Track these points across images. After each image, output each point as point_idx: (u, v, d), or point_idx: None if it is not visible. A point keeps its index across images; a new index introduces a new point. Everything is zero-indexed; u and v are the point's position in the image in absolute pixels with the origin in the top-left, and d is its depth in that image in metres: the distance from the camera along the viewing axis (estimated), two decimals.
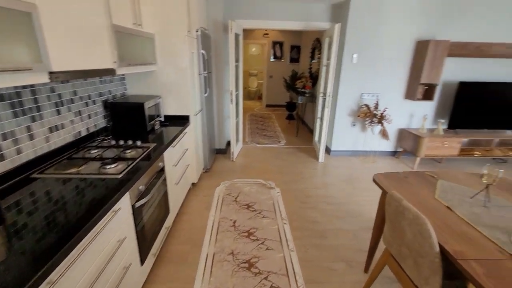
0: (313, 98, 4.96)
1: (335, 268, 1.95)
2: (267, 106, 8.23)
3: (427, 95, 3.68)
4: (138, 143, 1.94)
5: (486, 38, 3.55)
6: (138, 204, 1.52)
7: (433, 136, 3.57)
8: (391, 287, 1.78)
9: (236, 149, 4.01)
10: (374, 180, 1.70)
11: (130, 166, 1.54)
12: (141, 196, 1.56)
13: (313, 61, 5.64)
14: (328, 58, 3.71)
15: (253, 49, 9.41)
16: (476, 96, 3.61)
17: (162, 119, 2.62)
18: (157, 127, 2.45)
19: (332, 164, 3.88)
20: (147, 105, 2.25)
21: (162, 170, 1.96)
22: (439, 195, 1.49)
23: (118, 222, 1.30)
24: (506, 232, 1.19)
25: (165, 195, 2.07)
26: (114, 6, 1.65)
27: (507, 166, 3.92)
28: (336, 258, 2.05)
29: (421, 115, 3.94)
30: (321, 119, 4.11)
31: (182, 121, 2.70)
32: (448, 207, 1.37)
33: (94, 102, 2.08)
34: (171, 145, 2.13)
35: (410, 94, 3.78)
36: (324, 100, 3.81)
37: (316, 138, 4.43)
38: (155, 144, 1.97)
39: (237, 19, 3.75)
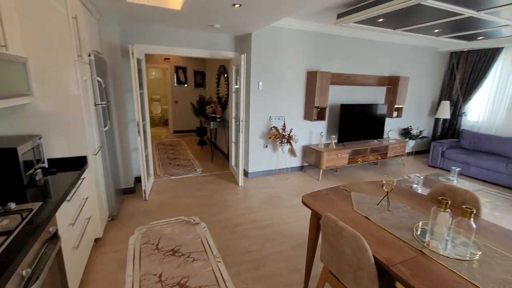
0: (224, 122, 5.04)
1: None
2: (175, 132, 7.80)
3: (320, 116, 4.36)
4: (12, 205, 1.39)
5: (352, 71, 4.59)
6: None
7: (329, 150, 4.22)
8: None
9: (148, 185, 3.54)
10: (303, 202, 1.81)
11: (3, 246, 1.07)
12: (27, 284, 1.09)
13: (218, 87, 5.79)
14: (237, 85, 3.88)
15: (153, 73, 8.88)
16: (352, 115, 4.54)
17: (46, 165, 2.02)
18: (39, 177, 1.86)
19: (252, 186, 3.97)
20: (22, 149, 1.68)
21: (55, 236, 1.46)
22: (356, 207, 1.72)
23: None
24: (409, 230, 1.47)
25: (61, 269, 1.54)
26: None
27: (378, 167, 5.04)
28: (276, 285, 2.03)
29: (318, 132, 4.63)
30: (236, 143, 4.19)
31: (77, 164, 2.16)
32: (366, 217, 1.60)
33: None
34: (65, 199, 1.64)
35: (307, 116, 4.38)
36: (238, 125, 3.91)
37: (233, 162, 4.47)
38: (40, 203, 1.47)
39: (137, 44, 3.45)
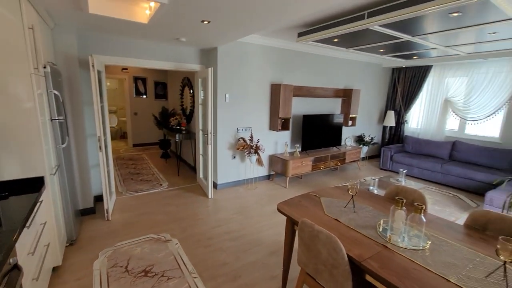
0: (190, 134, 4.97)
1: None
2: (135, 145, 7.40)
3: (285, 126, 4.59)
4: None
5: (311, 84, 4.95)
6: None
7: (294, 158, 4.45)
8: None
9: (110, 204, 3.31)
10: (279, 210, 1.91)
11: None
12: None
13: (183, 98, 5.71)
14: (205, 98, 3.91)
15: (108, 83, 8.37)
16: (313, 125, 4.87)
17: None
18: None
19: (221, 197, 3.97)
20: None
21: (15, 268, 1.32)
22: (327, 210, 1.88)
23: None
24: (373, 228, 1.66)
25: None
26: None
27: (338, 172, 5.44)
28: None
29: (283, 142, 4.85)
30: (204, 155, 4.17)
31: (33, 185, 1.96)
32: (336, 219, 1.75)
33: None
34: (25, 226, 1.49)
35: (273, 126, 4.57)
36: (205, 137, 3.91)
37: (201, 175, 4.42)
38: None
39: (97, 55, 3.28)
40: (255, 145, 4.19)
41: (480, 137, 4.99)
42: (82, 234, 2.87)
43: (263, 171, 4.74)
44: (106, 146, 3.30)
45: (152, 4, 2.21)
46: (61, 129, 2.45)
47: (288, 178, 4.46)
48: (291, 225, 1.89)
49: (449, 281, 1.19)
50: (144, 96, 7.31)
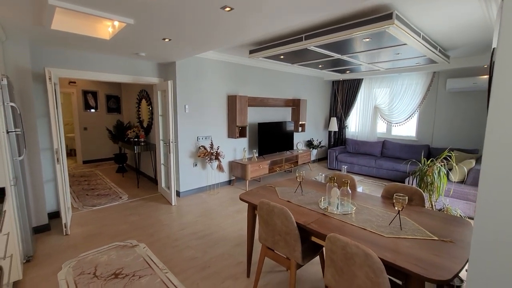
0: (148, 146, 5.01)
1: (226, 287, 2.22)
2: (85, 162, 6.99)
3: (242, 133, 4.97)
4: None
5: (264, 95, 5.47)
6: None
7: (252, 163, 4.83)
8: (271, 276, 2.32)
9: (68, 218, 3.22)
10: (241, 199, 2.23)
11: None
12: None
13: (139, 111, 5.72)
14: (164, 109, 4.08)
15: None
16: (268, 131, 5.36)
17: None
18: None
19: (185, 204, 4.12)
20: None
21: None
22: (280, 195, 2.27)
23: None
24: (316, 203, 2.09)
25: None
26: None
27: (292, 174, 5.98)
28: (224, 278, 2.33)
29: (241, 148, 5.21)
30: (166, 164, 4.30)
31: None
32: (288, 201, 2.15)
33: None
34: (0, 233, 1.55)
35: (231, 134, 4.92)
36: (167, 147, 4.06)
37: (163, 184, 4.49)
38: None
39: (52, 68, 3.26)
40: (215, 152, 4.47)
41: (402, 136, 6.07)
42: (39, 250, 2.77)
43: (224, 176, 5.01)
44: (62, 159, 3.24)
45: (117, 23, 2.41)
46: (18, 141, 2.43)
47: (247, 181, 4.81)
48: (252, 210, 2.23)
49: (365, 229, 1.65)
50: (94, 110, 7.02)
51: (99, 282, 2.26)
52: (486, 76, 4.62)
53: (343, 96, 6.99)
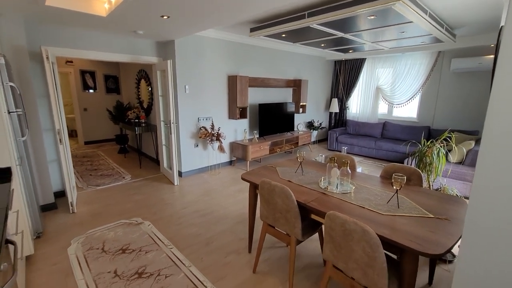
0: (149, 127, 5.02)
1: (228, 261, 2.33)
2: (87, 143, 7.03)
3: (243, 114, 4.96)
4: None
5: (265, 75, 5.39)
6: None
7: (253, 144, 4.86)
8: (271, 251, 2.43)
9: (74, 197, 3.31)
10: (242, 178, 2.28)
11: None
12: None
13: (139, 92, 5.66)
14: (165, 89, 4.04)
15: None
16: (269, 112, 5.34)
17: None
18: None
19: (187, 184, 4.20)
20: None
21: (10, 242, 1.46)
22: (281, 175, 2.32)
23: None
24: (316, 183, 2.14)
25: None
26: None
27: (292, 155, 6.04)
28: (226, 253, 2.44)
29: (242, 129, 5.22)
30: (167, 145, 4.33)
31: (1, 176, 1.99)
32: (289, 180, 2.20)
33: None
34: (9, 209, 1.60)
35: (232, 115, 4.90)
36: (168, 128, 4.07)
37: (165, 164, 4.55)
38: None
39: (50, 47, 3.19)
40: (216, 133, 4.48)
41: (403, 118, 6.06)
42: (48, 227, 2.87)
43: (225, 157, 5.06)
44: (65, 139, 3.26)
45: None
46: (20, 122, 2.44)
47: (248, 162, 4.87)
48: (254, 189, 2.28)
49: (364, 208, 1.71)
50: (93, 91, 6.94)
51: (108, 257, 2.37)
52: (492, 56, 4.52)
53: (345, 76, 6.88)
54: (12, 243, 1.48)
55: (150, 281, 2.07)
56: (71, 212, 3.20)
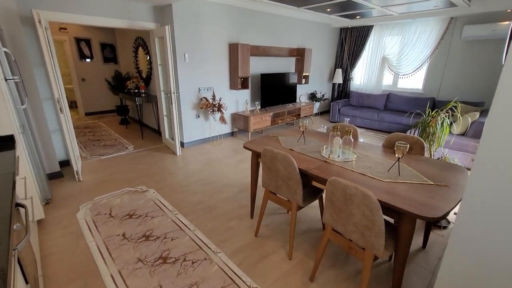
0: (149, 97, 4.95)
1: (231, 226, 2.43)
2: (87, 114, 6.99)
3: (244, 85, 4.85)
4: None
5: (267, 43, 5.17)
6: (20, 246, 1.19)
7: (255, 115, 4.82)
8: (272, 217, 2.52)
9: (79, 165, 3.36)
10: (244, 147, 2.29)
11: None
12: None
13: (137, 61, 5.49)
14: (163, 58, 3.91)
15: None
16: (271, 83, 5.21)
17: None
18: None
19: (189, 154, 4.24)
20: None
21: (21, 206, 1.50)
22: (283, 144, 2.33)
23: None
24: (318, 152, 2.15)
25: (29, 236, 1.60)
26: None
27: (294, 127, 6.01)
28: (229, 219, 2.53)
29: (244, 100, 5.14)
30: (168, 116, 4.30)
31: (4, 144, 2.01)
32: (291, 149, 2.21)
33: None
34: (17, 175, 1.63)
35: (233, 85, 4.80)
36: (169, 98, 4.00)
37: (167, 135, 4.56)
38: None
39: (41, 10, 3.03)
40: (217, 104, 4.42)
41: (408, 89, 5.92)
42: (56, 194, 2.96)
43: (226, 128, 5.05)
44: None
45: None
46: (18, 89, 2.39)
47: (250, 133, 4.87)
48: (256, 158, 2.31)
49: (365, 175, 1.73)
50: (90, 60, 6.74)
51: (116, 221, 2.47)
52: (508, 22, 4.28)
53: (350, 45, 6.60)
54: (23, 206, 1.54)
55: (157, 243, 2.18)
56: (77, 180, 3.27)
